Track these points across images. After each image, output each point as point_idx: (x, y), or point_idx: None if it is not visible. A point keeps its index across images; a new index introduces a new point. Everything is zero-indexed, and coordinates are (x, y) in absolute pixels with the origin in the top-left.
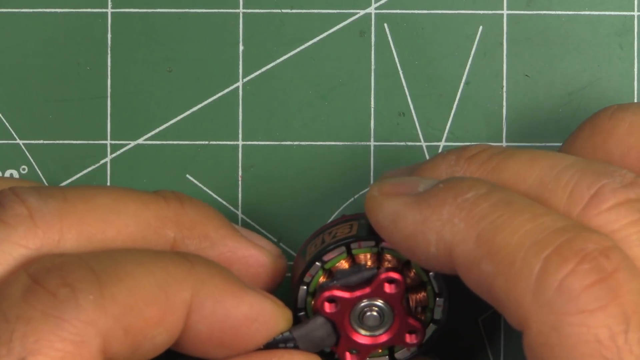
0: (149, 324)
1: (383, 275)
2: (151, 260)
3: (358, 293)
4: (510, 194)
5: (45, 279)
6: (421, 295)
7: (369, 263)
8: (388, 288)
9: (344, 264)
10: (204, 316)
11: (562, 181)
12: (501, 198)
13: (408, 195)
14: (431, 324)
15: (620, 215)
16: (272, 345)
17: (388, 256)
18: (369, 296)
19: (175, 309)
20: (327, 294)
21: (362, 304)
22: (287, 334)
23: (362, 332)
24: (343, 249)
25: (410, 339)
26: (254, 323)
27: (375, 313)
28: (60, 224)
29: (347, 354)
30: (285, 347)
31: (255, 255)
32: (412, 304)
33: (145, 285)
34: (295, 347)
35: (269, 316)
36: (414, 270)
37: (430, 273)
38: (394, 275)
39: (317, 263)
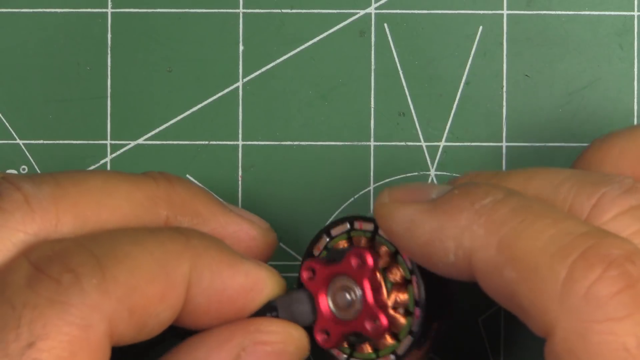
0: (152, 302)
1: (353, 250)
2: (147, 239)
3: (332, 267)
4: (528, 199)
5: (47, 266)
6: (404, 295)
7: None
8: (354, 263)
9: (343, 244)
10: (202, 289)
11: (560, 195)
12: (520, 202)
13: (421, 202)
14: (409, 336)
15: (625, 224)
16: (260, 312)
17: (383, 248)
18: (338, 270)
19: (176, 284)
20: (307, 263)
21: (340, 283)
22: (272, 302)
23: (334, 309)
24: (347, 225)
25: (370, 326)
26: (250, 292)
27: (347, 294)
28: (56, 208)
29: (319, 334)
30: (270, 315)
31: (245, 229)
32: (390, 301)
33: (145, 265)
34: (276, 317)
35: (264, 284)
36: (401, 267)
37: (413, 275)
38: (363, 252)
39: (324, 236)
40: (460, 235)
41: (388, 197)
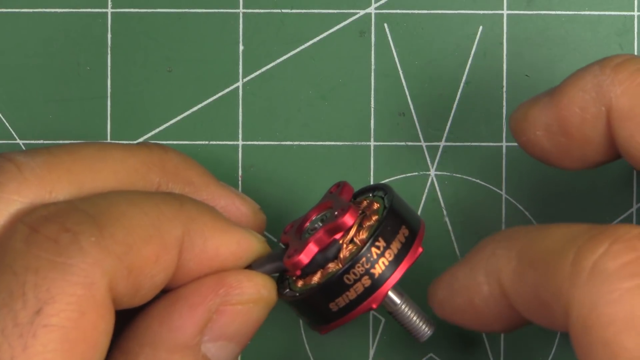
0: (148, 262)
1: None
2: (143, 200)
3: (308, 215)
4: (548, 224)
5: (44, 227)
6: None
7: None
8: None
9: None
10: (194, 254)
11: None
12: (536, 226)
13: (456, 264)
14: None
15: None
16: None
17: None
18: (314, 212)
19: (170, 247)
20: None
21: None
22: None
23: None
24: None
25: (288, 255)
26: (239, 260)
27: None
28: (50, 175)
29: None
30: None
31: (237, 204)
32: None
33: (141, 224)
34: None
35: (254, 253)
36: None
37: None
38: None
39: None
40: (486, 264)
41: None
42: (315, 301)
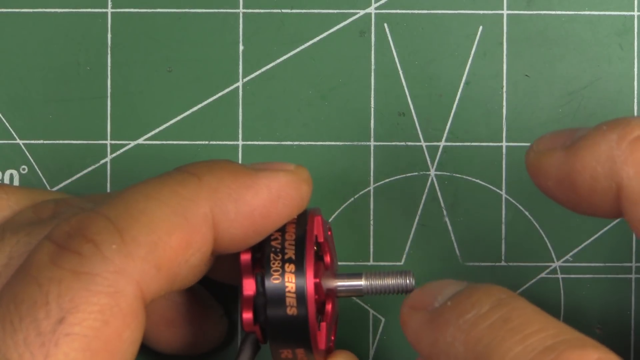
0: (178, 251)
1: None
2: (159, 189)
3: None
4: (511, 310)
5: (68, 241)
6: None
7: None
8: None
9: None
10: (231, 220)
11: None
12: (501, 316)
13: (425, 311)
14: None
15: None
16: None
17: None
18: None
19: (199, 227)
20: None
21: None
22: None
23: None
24: None
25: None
26: (278, 201)
27: None
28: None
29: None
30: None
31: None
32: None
33: (162, 217)
34: None
35: (289, 188)
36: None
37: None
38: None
39: None
40: (447, 352)
41: (406, 302)
42: (274, 317)
